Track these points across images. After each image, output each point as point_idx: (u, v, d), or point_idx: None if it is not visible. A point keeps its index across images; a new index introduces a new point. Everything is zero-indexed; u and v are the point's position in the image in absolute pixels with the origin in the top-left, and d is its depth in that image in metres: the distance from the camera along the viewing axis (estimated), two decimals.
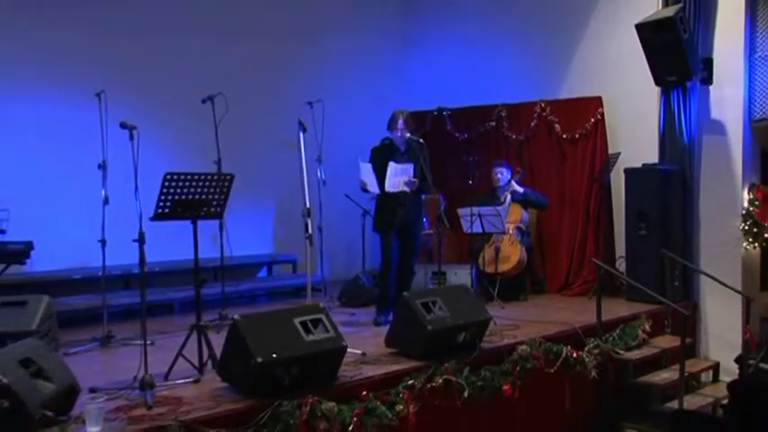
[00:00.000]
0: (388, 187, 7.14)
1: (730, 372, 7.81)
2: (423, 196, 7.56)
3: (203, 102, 7.39)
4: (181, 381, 5.08)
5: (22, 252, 6.72)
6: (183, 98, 8.15)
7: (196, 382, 5.10)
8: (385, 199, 7.31)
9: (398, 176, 7.12)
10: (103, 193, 6.65)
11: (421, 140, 7.96)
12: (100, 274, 6.90)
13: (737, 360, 7.67)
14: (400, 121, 7.33)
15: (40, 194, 7.69)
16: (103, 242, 6.69)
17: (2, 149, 7.70)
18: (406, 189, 7.16)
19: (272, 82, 9.71)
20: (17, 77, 7.91)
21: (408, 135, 7.37)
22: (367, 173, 7.19)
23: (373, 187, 7.20)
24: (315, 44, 10.25)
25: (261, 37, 9.68)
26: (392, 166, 7.13)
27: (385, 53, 11.11)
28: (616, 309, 7.79)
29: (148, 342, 5.20)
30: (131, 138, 5.57)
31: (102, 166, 6.68)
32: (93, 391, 4.76)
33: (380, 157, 7.36)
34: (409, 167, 7.14)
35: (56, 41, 8.10)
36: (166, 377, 5.12)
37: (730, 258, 8.25)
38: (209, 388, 4.92)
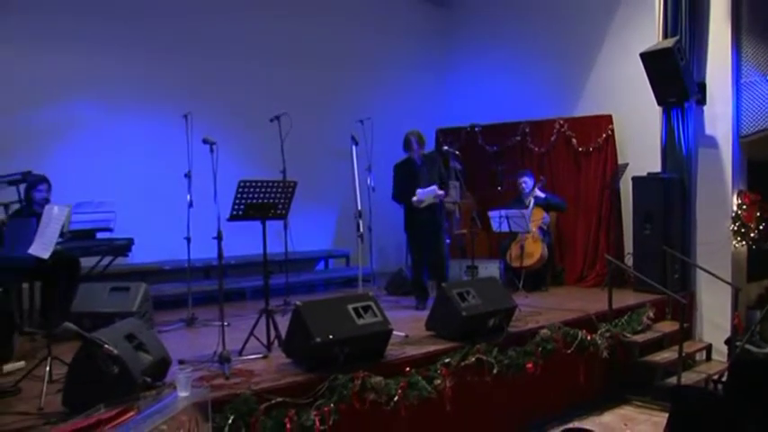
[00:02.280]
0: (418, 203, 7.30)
1: (721, 352, 7.71)
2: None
3: (271, 120, 7.42)
4: (252, 356, 5.13)
5: (125, 246, 6.79)
6: (255, 117, 8.14)
7: (265, 357, 5.14)
8: (413, 205, 7.34)
9: (426, 196, 7.25)
10: (189, 197, 6.72)
11: (457, 152, 8.07)
12: (186, 265, 6.98)
13: (727, 342, 7.62)
14: (413, 142, 7.42)
15: (139, 199, 7.75)
16: (189, 239, 6.80)
17: (111, 162, 7.82)
18: (437, 201, 7.34)
19: (329, 103, 9.69)
20: (125, 103, 8.07)
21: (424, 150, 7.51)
22: (424, 193, 7.26)
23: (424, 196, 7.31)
24: (365, 71, 10.25)
25: (319, 65, 9.69)
26: (419, 192, 7.26)
27: (425, 77, 11.05)
28: (624, 298, 7.66)
29: (225, 323, 5.25)
30: (211, 151, 5.68)
31: (188, 175, 6.75)
32: (181, 362, 4.85)
33: (402, 171, 7.51)
34: (434, 188, 7.27)
35: (154, 73, 8.26)
36: (240, 353, 5.17)
37: (722, 254, 8.08)
38: (275, 363, 4.95)
